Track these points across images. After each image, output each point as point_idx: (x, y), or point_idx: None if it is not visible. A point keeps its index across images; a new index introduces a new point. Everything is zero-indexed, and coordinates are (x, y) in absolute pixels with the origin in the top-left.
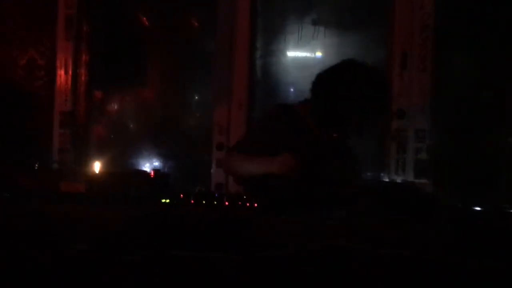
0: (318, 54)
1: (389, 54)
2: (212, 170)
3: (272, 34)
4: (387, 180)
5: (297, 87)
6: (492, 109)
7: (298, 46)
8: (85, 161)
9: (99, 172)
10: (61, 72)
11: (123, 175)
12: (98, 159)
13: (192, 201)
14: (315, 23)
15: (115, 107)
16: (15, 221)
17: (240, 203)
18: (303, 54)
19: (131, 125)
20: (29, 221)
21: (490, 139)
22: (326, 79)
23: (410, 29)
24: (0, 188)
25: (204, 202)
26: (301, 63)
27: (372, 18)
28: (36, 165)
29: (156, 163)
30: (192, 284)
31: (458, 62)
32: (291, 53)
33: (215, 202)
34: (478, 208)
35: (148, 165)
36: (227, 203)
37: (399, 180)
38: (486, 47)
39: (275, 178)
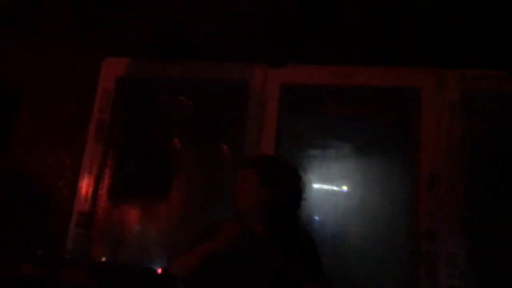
0: (341, 176)
1: (416, 175)
2: None
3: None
4: None
5: (320, 210)
6: None
7: (321, 170)
8: (95, 256)
9: (102, 263)
10: (85, 173)
11: (126, 269)
12: (109, 255)
13: None
14: (338, 145)
15: (135, 211)
16: None
17: None
18: (325, 176)
19: (148, 231)
20: None
21: None
22: None
23: (437, 150)
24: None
25: None
26: (324, 188)
27: (397, 141)
28: (39, 253)
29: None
30: None
31: (492, 184)
32: (314, 178)
33: None
34: None
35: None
36: None
37: None
38: None
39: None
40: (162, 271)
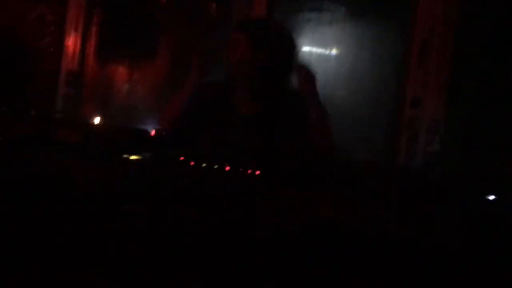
0: (334, 41)
1: (409, 42)
2: None
3: (288, 23)
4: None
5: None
6: None
7: (314, 34)
8: (87, 118)
9: (98, 124)
10: (71, 30)
11: (122, 130)
12: (101, 117)
13: (192, 163)
14: (334, 8)
15: (123, 70)
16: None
17: (241, 169)
18: (318, 40)
19: (139, 88)
20: (22, 169)
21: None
22: None
23: (433, 18)
24: None
25: (204, 165)
26: (316, 52)
27: (394, 5)
28: (33, 112)
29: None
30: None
31: (479, 55)
32: (307, 42)
33: (216, 166)
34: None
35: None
36: (228, 167)
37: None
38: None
39: None
40: (155, 132)
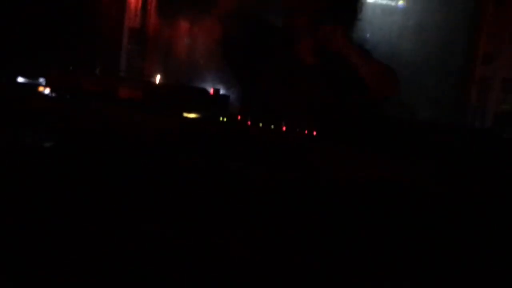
0: None
1: None
2: None
3: None
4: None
5: (375, 29)
6: None
7: None
8: (149, 74)
9: (158, 83)
10: None
11: (182, 88)
12: (162, 73)
13: (249, 123)
14: None
15: (184, 27)
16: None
17: (298, 129)
18: None
19: (200, 46)
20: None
21: None
22: None
23: None
24: (62, 89)
25: (260, 125)
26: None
27: None
28: (98, 70)
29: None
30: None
31: None
32: None
33: (272, 126)
34: None
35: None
36: (284, 128)
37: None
38: None
39: None
40: (214, 91)
